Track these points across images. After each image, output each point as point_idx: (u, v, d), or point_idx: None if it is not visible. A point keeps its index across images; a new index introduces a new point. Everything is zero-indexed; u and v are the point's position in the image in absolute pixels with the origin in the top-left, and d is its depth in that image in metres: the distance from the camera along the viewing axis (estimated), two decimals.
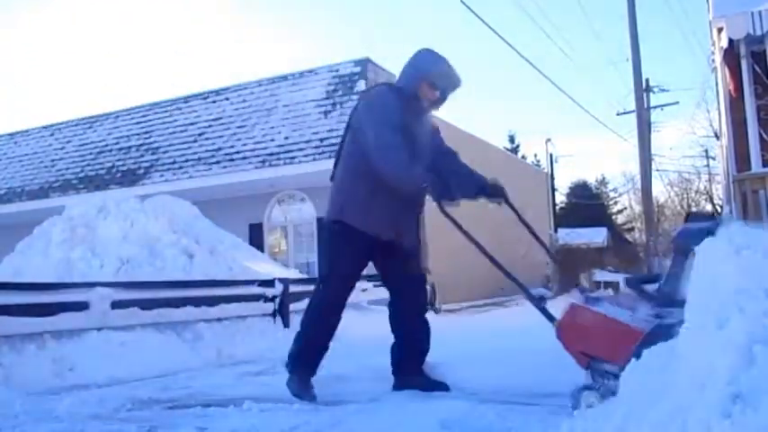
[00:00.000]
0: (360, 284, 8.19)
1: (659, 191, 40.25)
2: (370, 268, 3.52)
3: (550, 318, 2.77)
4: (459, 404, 2.86)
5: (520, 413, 2.70)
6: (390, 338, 3.51)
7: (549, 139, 27.81)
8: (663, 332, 2.42)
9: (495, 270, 2.98)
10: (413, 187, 3.09)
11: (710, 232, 2.55)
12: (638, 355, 2.25)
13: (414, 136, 3.23)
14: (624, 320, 2.62)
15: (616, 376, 2.40)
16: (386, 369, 3.51)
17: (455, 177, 3.35)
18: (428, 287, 12.30)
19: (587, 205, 31.56)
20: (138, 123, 14.82)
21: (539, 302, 2.84)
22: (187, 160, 13.28)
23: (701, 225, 2.82)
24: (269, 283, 6.56)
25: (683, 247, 2.75)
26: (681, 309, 2.39)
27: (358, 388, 3.54)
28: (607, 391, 2.47)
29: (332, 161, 3.58)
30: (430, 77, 3.28)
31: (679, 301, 2.48)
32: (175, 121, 14.18)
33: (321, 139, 11.73)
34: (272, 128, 12.64)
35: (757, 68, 6.27)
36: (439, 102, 3.41)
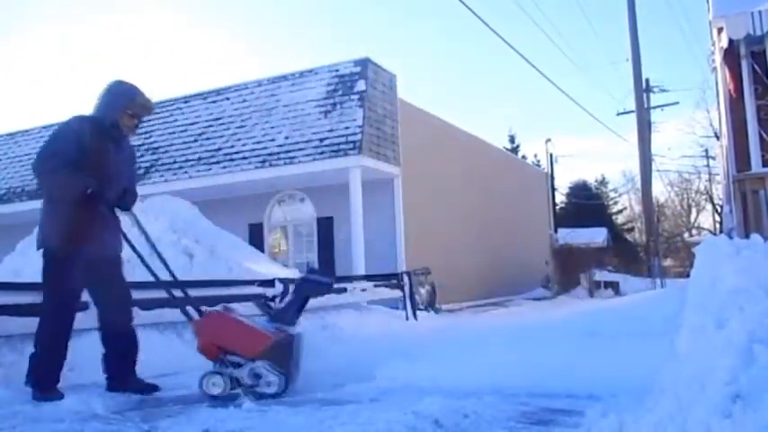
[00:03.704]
0: (359, 284, 8.23)
1: (659, 191, 40.31)
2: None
3: (189, 317, 3.57)
4: (450, 402, 2.86)
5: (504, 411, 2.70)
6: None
7: (549, 139, 27.75)
8: (289, 341, 3.40)
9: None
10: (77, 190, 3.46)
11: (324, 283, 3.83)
12: (267, 355, 3.26)
13: (110, 160, 3.65)
14: (258, 327, 3.51)
15: (240, 365, 3.34)
16: (387, 369, 3.50)
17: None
18: (429, 287, 12.21)
19: (587, 205, 31.53)
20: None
21: (181, 302, 3.66)
22: (187, 160, 13.27)
23: (316, 277, 3.93)
24: (269, 283, 6.56)
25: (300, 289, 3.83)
26: (290, 326, 3.53)
27: (358, 388, 3.55)
28: (232, 377, 3.32)
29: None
30: (131, 108, 3.68)
31: (287, 321, 3.58)
32: (175, 121, 14.15)
33: (321, 139, 11.71)
34: (272, 128, 12.61)
35: (757, 68, 6.27)
36: (136, 128, 3.84)
